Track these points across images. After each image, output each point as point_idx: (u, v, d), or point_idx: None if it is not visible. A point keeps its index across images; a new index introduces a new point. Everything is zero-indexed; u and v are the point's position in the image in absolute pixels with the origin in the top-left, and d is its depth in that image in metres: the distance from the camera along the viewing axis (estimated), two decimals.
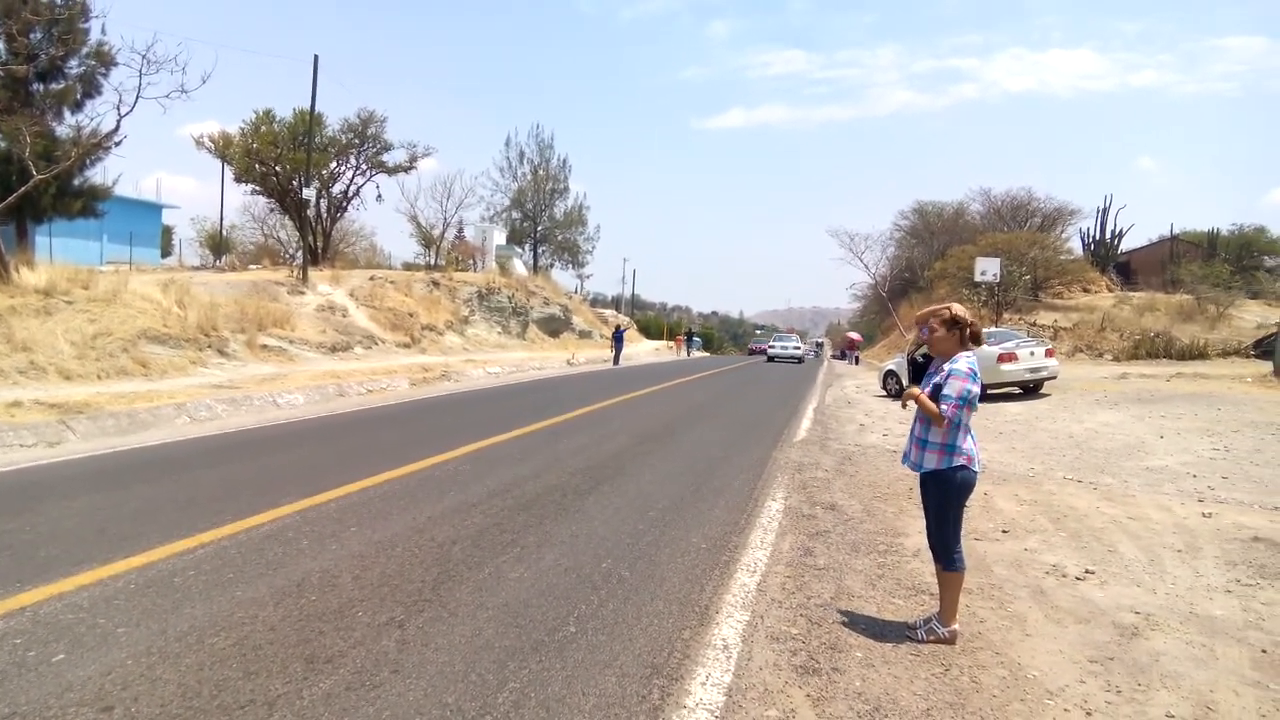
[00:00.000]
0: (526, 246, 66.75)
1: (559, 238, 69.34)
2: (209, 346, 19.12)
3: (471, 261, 53.82)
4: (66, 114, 26.14)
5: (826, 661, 4.39)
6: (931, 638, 4.69)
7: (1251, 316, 34.66)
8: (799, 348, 54.29)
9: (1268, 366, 22.42)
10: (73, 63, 25.60)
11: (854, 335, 60.05)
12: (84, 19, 24.79)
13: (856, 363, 48.69)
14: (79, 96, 26.13)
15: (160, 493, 7.79)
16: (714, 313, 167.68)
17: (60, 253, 29.02)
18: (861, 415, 17.08)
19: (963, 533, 4.96)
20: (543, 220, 67.92)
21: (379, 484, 8.22)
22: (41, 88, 25.40)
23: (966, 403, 4.57)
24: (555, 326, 48.36)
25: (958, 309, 4.75)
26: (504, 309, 42.74)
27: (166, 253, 48.59)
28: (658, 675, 4.13)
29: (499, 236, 60.97)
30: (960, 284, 40.76)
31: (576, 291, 68.29)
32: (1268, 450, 11.52)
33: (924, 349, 5.00)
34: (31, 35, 22.37)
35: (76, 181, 26.70)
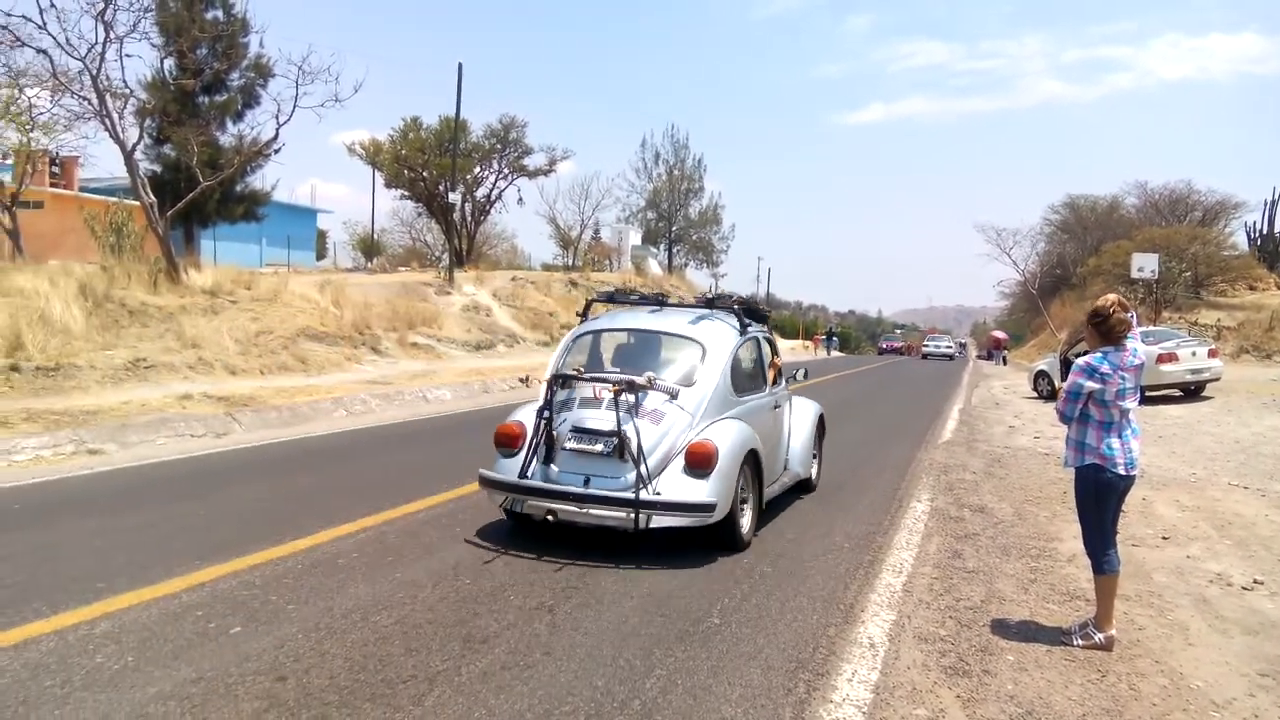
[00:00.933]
0: (661, 246, 67.07)
1: (694, 237, 69.36)
2: (363, 344, 20.03)
3: (608, 262, 54.54)
4: (229, 124, 28.03)
5: (977, 664, 4.30)
6: (1087, 643, 4.54)
7: None
8: (949, 346, 60.07)
9: None
10: (234, 75, 27.37)
11: (999, 334, 57.86)
12: (244, 34, 26.39)
13: (1004, 363, 46.79)
14: (240, 107, 27.92)
15: (321, 481, 8.27)
16: (850, 311, 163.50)
17: (223, 255, 30.80)
18: (1010, 417, 16.48)
19: (1119, 538, 4.78)
20: (678, 220, 68.04)
21: None
22: (206, 100, 27.21)
23: (1074, 397, 4.59)
24: None
25: (1110, 300, 4.59)
26: None
27: (321, 256, 50.94)
28: (803, 670, 4.13)
29: (634, 237, 61.55)
30: (1116, 281, 38.75)
31: (711, 290, 68.27)
32: None
33: (1078, 347, 4.86)
34: (198, 51, 23.90)
35: (238, 188, 28.48)
